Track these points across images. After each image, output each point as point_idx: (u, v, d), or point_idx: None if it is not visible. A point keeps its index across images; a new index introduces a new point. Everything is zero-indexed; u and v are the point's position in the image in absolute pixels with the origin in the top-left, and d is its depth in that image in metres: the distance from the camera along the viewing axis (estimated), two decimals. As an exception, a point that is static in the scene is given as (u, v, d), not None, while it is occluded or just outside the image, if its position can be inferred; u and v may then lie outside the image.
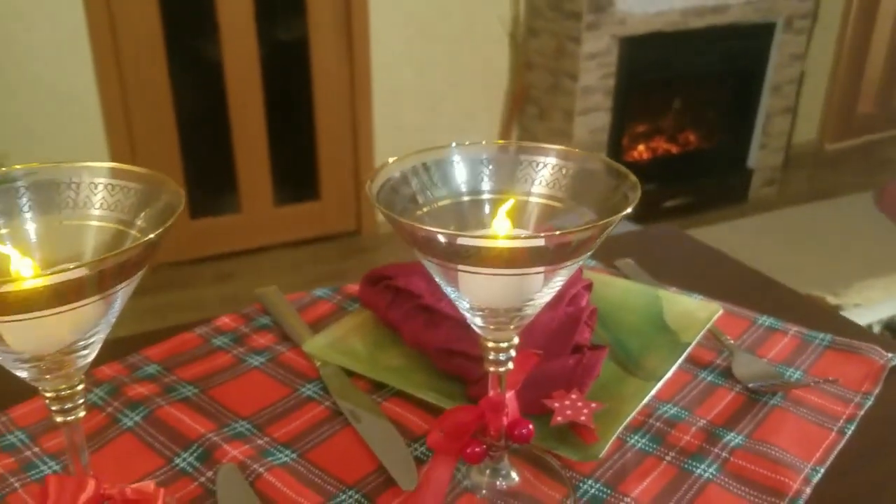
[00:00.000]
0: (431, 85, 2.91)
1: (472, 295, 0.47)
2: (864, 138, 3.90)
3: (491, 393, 0.52)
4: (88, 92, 2.38)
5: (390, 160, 0.49)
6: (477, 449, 0.53)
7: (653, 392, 0.61)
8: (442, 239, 0.43)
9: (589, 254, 0.45)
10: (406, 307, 0.69)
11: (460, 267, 0.45)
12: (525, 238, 0.45)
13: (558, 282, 0.47)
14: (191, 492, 0.55)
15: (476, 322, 0.49)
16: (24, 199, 0.46)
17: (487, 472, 0.55)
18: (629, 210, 0.44)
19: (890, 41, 3.74)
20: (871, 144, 3.93)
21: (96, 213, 0.46)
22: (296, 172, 2.93)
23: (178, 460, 0.58)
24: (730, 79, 3.25)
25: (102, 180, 0.46)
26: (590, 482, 0.56)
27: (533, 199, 0.49)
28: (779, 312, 0.75)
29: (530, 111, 3.05)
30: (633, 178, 0.46)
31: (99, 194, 0.46)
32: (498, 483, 0.55)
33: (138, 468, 0.57)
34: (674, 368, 0.63)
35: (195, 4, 2.58)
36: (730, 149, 3.38)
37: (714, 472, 0.56)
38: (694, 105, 3.29)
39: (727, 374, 0.66)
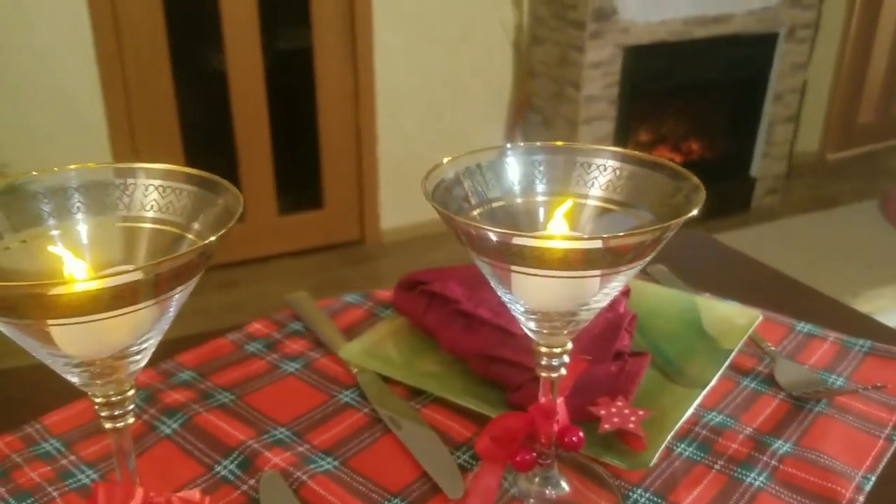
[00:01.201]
0: (435, 94, 2.90)
1: (525, 297, 0.46)
2: (866, 148, 3.90)
3: (542, 399, 0.51)
4: (93, 99, 2.37)
5: (445, 160, 0.48)
6: (527, 456, 0.52)
7: (699, 399, 0.60)
8: (498, 238, 0.42)
9: (648, 259, 0.44)
10: (443, 312, 0.68)
11: (514, 268, 0.44)
12: (586, 239, 0.44)
13: (615, 287, 0.46)
14: (234, 500, 0.54)
15: (529, 326, 0.48)
16: (76, 201, 0.45)
17: (536, 480, 0.54)
18: (694, 213, 0.43)
19: (890, 50, 3.75)
20: (872, 154, 3.94)
21: (149, 215, 0.45)
22: (299, 181, 2.92)
23: (218, 468, 0.57)
24: (733, 88, 3.25)
25: (155, 182, 0.45)
26: (639, 491, 0.55)
27: (589, 202, 0.48)
28: (812, 318, 0.74)
29: (534, 119, 3.04)
30: (695, 179, 0.45)
31: (151, 196, 0.45)
32: (547, 492, 0.54)
33: (179, 476, 0.56)
34: (718, 375, 0.62)
35: (200, 13, 2.57)
36: (733, 158, 3.38)
37: (765, 481, 0.55)
38: (697, 114, 3.30)
39: (770, 381, 0.66)
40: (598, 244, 0.42)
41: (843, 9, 3.58)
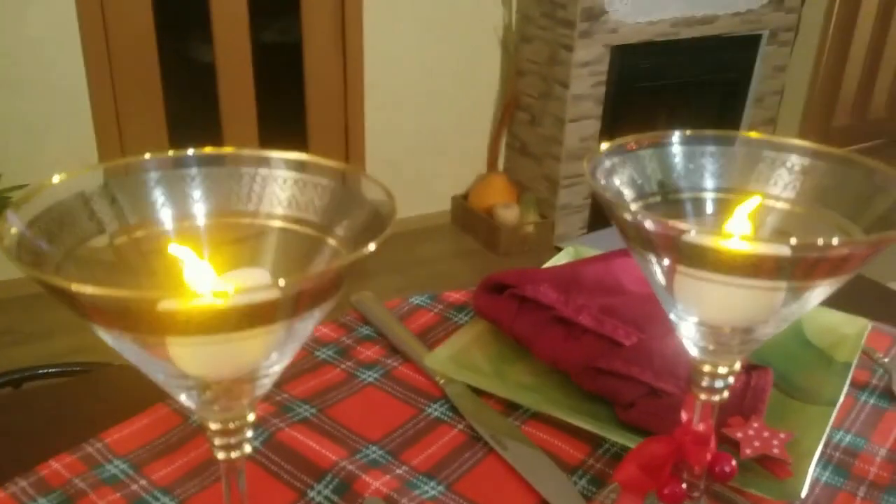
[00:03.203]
0: (424, 90, 2.84)
1: (687, 303, 0.41)
2: (841, 151, 3.93)
3: (698, 425, 0.46)
4: (79, 91, 2.25)
5: (603, 146, 0.42)
6: (677, 488, 0.46)
7: (832, 418, 0.55)
8: (671, 233, 0.37)
9: (849, 275, 0.39)
10: (536, 318, 0.62)
11: (682, 268, 0.38)
12: (785, 244, 0.39)
13: (806, 303, 0.41)
14: (338, 532, 0.48)
15: (691, 337, 0.43)
16: (198, 191, 0.38)
17: (681, 511, 0.49)
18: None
19: (866, 55, 3.78)
20: (846, 156, 3.97)
21: (281, 212, 0.38)
22: (287, 175, 2.84)
23: (312, 493, 0.51)
24: (717, 89, 3.25)
25: (293, 174, 0.38)
26: (784, 521, 0.50)
27: (769, 202, 0.43)
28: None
29: (521, 117, 3.00)
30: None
31: (287, 191, 0.38)
32: (692, 524, 0.49)
33: (269, 503, 0.50)
34: (845, 391, 0.58)
35: (189, 4, 2.47)
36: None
37: (916, 509, 0.51)
38: (681, 114, 3.28)
39: (888, 395, 0.61)
40: (819, 251, 0.36)
41: (822, 13, 3.60)
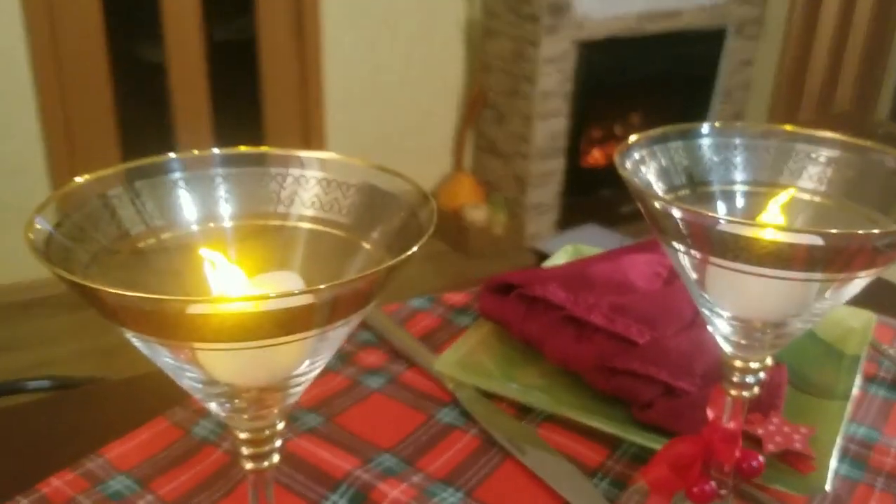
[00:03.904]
0: (386, 87, 2.81)
1: (719, 297, 0.40)
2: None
3: (728, 422, 0.45)
4: (24, 94, 2.18)
5: (632, 138, 0.41)
6: (706, 487, 0.46)
7: (848, 411, 0.55)
8: (705, 222, 0.36)
9: (882, 269, 0.38)
10: (546, 319, 0.61)
11: (714, 259, 0.38)
12: (819, 233, 0.38)
13: (837, 297, 0.40)
14: (358, 544, 0.46)
15: (723, 332, 0.42)
16: (222, 191, 0.36)
17: (709, 511, 0.48)
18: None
19: (829, 47, 3.84)
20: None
21: (310, 214, 0.37)
22: (245, 176, 2.79)
23: (328, 505, 0.49)
24: (683, 84, 3.27)
25: (322, 174, 0.37)
26: (809, 517, 0.49)
27: (800, 195, 0.42)
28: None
29: (488, 115, 2.99)
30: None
31: (317, 192, 0.37)
32: (720, 523, 0.48)
33: (284, 516, 0.48)
34: (857, 384, 0.58)
35: (139, 2, 2.42)
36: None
37: (937, 501, 0.51)
38: (649, 110, 3.30)
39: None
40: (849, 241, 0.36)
41: (786, 6, 3.65)
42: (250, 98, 2.64)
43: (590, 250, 0.74)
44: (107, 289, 0.28)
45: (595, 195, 3.10)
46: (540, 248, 2.75)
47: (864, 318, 0.65)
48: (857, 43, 3.56)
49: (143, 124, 2.56)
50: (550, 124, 2.88)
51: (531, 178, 2.85)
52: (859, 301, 0.66)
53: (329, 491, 0.50)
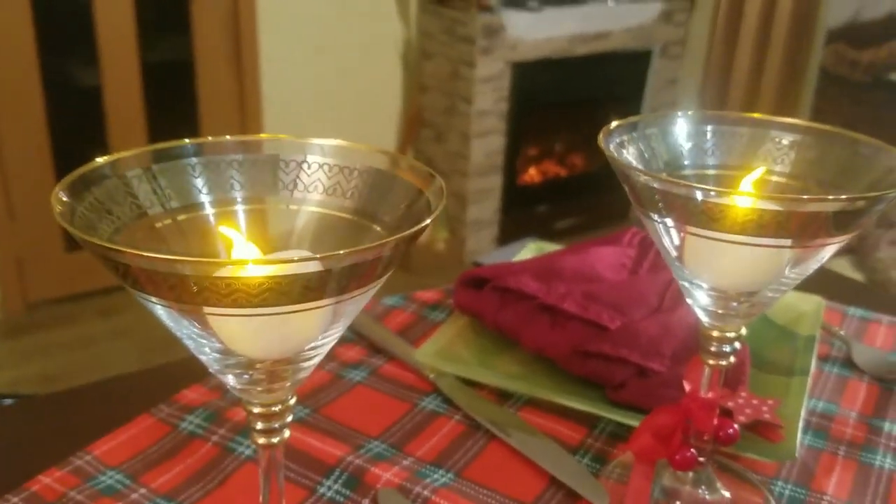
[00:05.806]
0: (324, 107, 2.82)
1: (698, 268, 0.43)
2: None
3: (707, 392, 0.48)
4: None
5: (613, 124, 0.44)
6: (687, 454, 0.48)
7: (808, 386, 0.58)
8: (683, 192, 0.39)
9: (849, 236, 0.41)
10: (520, 309, 0.63)
11: (692, 229, 0.41)
12: (788, 198, 0.41)
13: (804, 267, 0.43)
14: (357, 524, 0.47)
15: (702, 303, 0.45)
16: (235, 177, 0.37)
17: (689, 479, 0.50)
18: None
19: (749, 66, 3.99)
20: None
21: (321, 198, 0.38)
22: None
23: (322, 489, 0.50)
24: (613, 103, 3.36)
25: (331, 160, 0.38)
26: (780, 483, 0.52)
27: (774, 178, 0.46)
28: (844, 300, 0.74)
29: (426, 134, 3.03)
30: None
31: (328, 177, 0.38)
32: (700, 492, 0.50)
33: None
34: (814, 361, 0.61)
35: (73, 24, 2.37)
36: (611, 171, 3.48)
37: (893, 462, 0.54)
38: (580, 128, 3.38)
39: (849, 365, 0.65)
40: (820, 206, 0.39)
41: (707, 27, 3.79)
42: (187, 119, 2.61)
43: (552, 247, 0.77)
44: (139, 252, 0.29)
45: (532, 211, 3.16)
46: (480, 263, 2.79)
47: (814, 303, 0.69)
48: (775, 60, 3.70)
49: (78, 147, 2.51)
50: (487, 142, 2.93)
51: (470, 195, 2.89)
52: (808, 287, 0.70)
53: (323, 477, 0.51)
